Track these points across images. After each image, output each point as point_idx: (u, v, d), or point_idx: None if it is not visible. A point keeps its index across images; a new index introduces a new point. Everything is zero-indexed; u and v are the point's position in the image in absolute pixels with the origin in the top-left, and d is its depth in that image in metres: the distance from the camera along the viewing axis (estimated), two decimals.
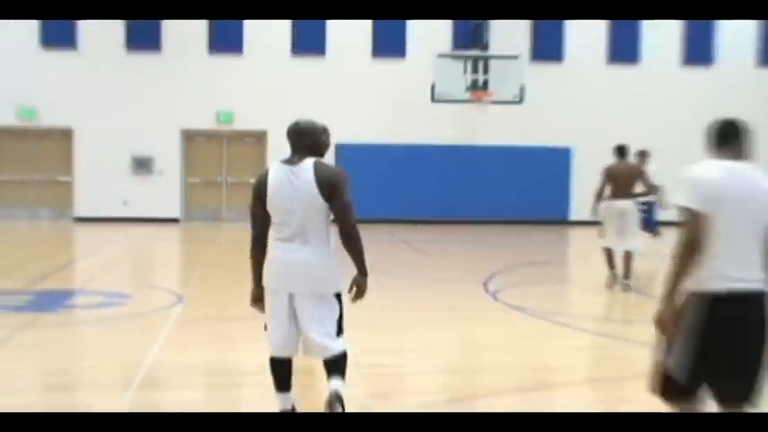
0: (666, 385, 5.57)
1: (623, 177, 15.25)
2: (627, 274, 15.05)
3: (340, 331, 6.81)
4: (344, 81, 28.26)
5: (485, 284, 15.34)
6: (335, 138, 25.65)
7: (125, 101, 27.75)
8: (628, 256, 15.04)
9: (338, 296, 6.78)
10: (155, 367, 9.09)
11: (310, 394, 6.98)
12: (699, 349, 5.33)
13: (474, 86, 26.00)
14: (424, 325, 11.98)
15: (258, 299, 6.86)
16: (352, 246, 6.64)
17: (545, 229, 27.48)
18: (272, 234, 6.80)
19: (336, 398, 6.65)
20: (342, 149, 27.11)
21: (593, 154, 28.90)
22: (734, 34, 29.83)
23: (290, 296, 6.66)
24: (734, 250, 5.38)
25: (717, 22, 29.81)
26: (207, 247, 21.70)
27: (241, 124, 28.47)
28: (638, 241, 15.26)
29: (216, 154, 29.07)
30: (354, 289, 6.75)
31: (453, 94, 25.76)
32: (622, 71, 29.58)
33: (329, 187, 6.50)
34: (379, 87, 28.30)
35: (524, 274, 17.22)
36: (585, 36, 29.13)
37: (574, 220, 28.97)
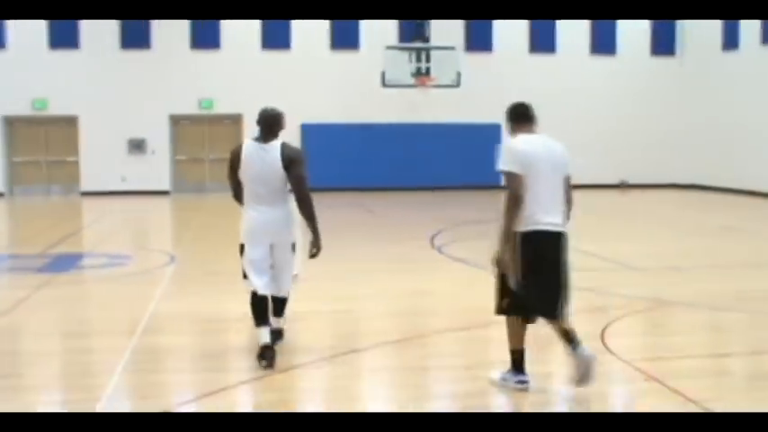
0: (510, 303, 6.43)
1: None
2: None
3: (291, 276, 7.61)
4: (307, 70, 28.07)
5: (431, 240, 15.42)
6: (301, 119, 25.36)
7: (121, 91, 27.43)
8: None
9: (293, 245, 7.50)
10: (154, 316, 9.10)
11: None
12: (524, 274, 6.25)
13: (418, 73, 25.92)
14: (378, 275, 12.04)
15: None
16: (305, 208, 7.24)
17: (479, 194, 27.55)
18: (245, 198, 7.38)
19: (280, 334, 7.70)
20: (306, 129, 27.06)
21: None
22: (632, 28, 30.01)
23: (271, 246, 7.28)
24: (541, 202, 6.30)
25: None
26: (194, 214, 21.57)
27: (220, 109, 28.20)
28: None
29: (199, 135, 28.80)
30: (314, 250, 7.34)
31: (400, 80, 25.68)
32: (542, 59, 29.65)
33: (289, 162, 7.16)
34: (337, 75, 28.14)
35: (464, 231, 17.31)
36: (511, 30, 29.15)
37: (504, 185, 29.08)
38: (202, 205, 24.38)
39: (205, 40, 27.76)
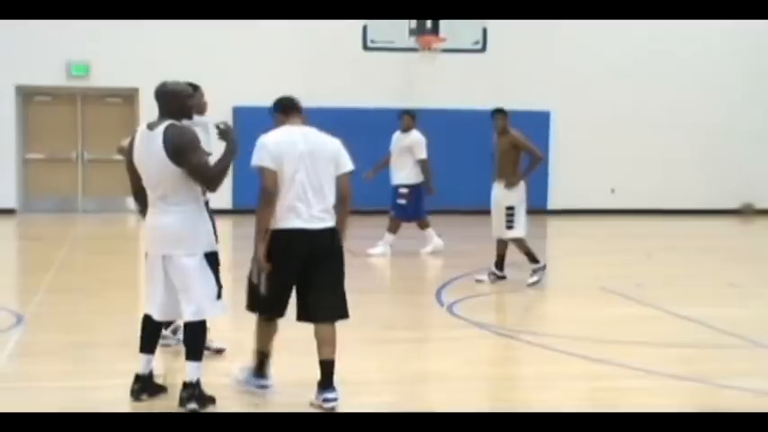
0: (256, 302, 9.16)
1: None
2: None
3: (214, 293, 8.96)
4: (243, 23, 28.02)
5: (438, 294, 15.45)
6: (233, 99, 25.33)
7: None
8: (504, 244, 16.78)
9: (209, 257, 8.92)
10: None
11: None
12: (276, 274, 8.88)
13: (420, 30, 26.02)
14: (355, 348, 11.91)
15: None
16: (214, 188, 8.89)
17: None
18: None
19: (192, 391, 8.83)
20: (240, 114, 26.94)
21: (578, 122, 29.21)
22: None
23: (163, 259, 8.79)
24: (295, 197, 8.84)
25: None
26: (56, 246, 21.42)
27: (101, 80, 28.17)
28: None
29: (67, 120, 28.77)
30: None
31: (392, 40, 25.80)
32: None
33: (174, 152, 8.49)
34: (291, 31, 28.07)
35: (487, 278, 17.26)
36: None
37: (552, 208, 29.17)
38: (71, 232, 24.27)
39: None
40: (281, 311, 9.21)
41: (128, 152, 8.94)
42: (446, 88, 28.20)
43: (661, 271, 19.38)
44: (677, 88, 29.77)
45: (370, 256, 19.50)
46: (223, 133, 8.86)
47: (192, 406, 8.67)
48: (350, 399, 9.80)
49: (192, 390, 8.78)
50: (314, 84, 27.51)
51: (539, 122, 29.18)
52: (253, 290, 9.02)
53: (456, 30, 26.02)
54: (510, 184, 16.46)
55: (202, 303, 8.79)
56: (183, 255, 8.68)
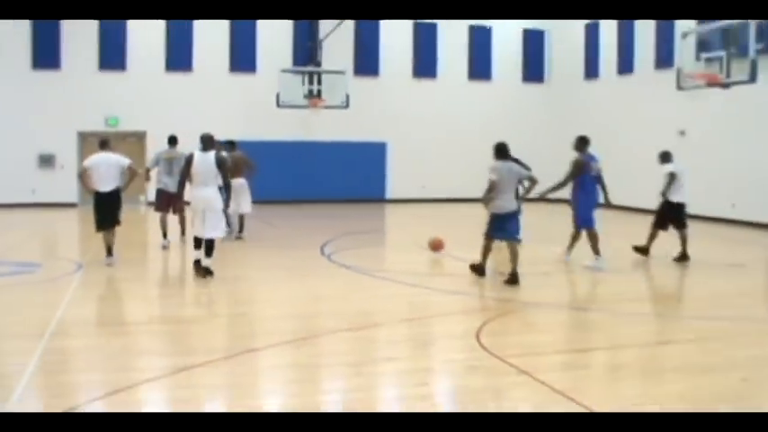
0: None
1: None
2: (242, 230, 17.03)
3: (219, 228, 11.77)
4: (208, 90, 27.71)
5: (321, 248, 15.49)
6: (200, 132, 25.08)
7: (32, 109, 26.55)
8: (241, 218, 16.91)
9: (221, 210, 11.65)
10: (62, 320, 8.91)
11: None
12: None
13: (310, 95, 26.08)
14: (273, 281, 12.06)
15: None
16: (227, 185, 11.80)
17: (367, 206, 27.74)
18: (193, 183, 11.50)
19: (209, 272, 11.54)
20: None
21: (402, 148, 29.44)
22: (506, 56, 30.64)
23: (203, 210, 11.45)
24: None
25: (490, 42, 30.52)
26: None
27: (125, 126, 27.63)
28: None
29: None
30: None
31: (294, 101, 25.78)
32: (424, 84, 29.95)
33: (219, 164, 11.55)
34: (236, 95, 27.86)
35: (352, 240, 17.42)
36: (396, 56, 29.37)
37: (388, 198, 29.37)
38: None
39: (112, 61, 27.16)
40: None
41: (189, 162, 11.58)
42: (325, 129, 28.20)
43: (451, 232, 19.69)
44: (456, 126, 29.93)
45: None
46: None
47: (210, 277, 11.34)
48: (267, 311, 9.99)
49: (207, 270, 11.46)
50: (248, 125, 27.43)
51: (379, 149, 29.34)
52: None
53: (332, 94, 26.07)
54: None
55: (215, 230, 11.59)
56: (212, 208, 11.48)
